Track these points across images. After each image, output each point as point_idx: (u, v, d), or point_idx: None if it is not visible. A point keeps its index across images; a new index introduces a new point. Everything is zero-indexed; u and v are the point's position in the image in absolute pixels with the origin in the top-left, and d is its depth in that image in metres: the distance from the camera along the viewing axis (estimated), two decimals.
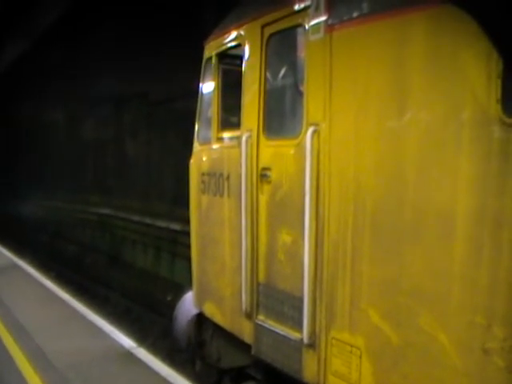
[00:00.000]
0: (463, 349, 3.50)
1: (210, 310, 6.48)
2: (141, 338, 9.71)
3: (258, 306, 5.44)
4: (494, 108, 3.28)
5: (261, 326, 5.37)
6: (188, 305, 7.15)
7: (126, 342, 8.36)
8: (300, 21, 4.84)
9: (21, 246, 22.51)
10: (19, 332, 8.72)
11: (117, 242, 21.34)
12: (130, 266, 19.37)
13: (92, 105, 25.79)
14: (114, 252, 21.14)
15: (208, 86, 6.58)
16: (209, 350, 6.80)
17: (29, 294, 11.69)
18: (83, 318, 9.69)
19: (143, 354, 7.81)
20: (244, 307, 5.52)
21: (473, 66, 3.43)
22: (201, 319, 6.85)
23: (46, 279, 13.46)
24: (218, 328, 6.36)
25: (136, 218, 19.81)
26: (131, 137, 22.68)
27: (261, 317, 5.39)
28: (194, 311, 6.95)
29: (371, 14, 4.11)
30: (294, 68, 5.23)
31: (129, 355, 7.74)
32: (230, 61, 6.25)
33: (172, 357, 9.43)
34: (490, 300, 3.35)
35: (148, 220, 18.71)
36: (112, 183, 24.13)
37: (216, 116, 6.27)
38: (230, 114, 6.14)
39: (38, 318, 9.55)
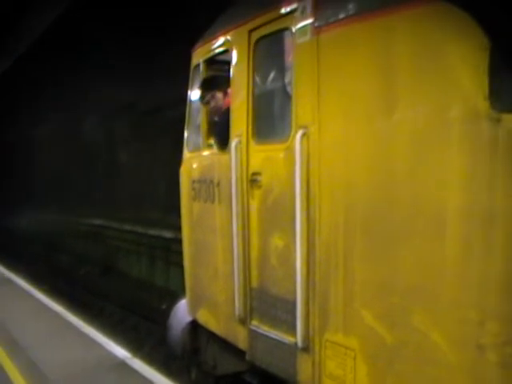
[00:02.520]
0: (457, 346, 3.50)
1: (204, 317, 6.45)
2: (136, 347, 9.63)
3: (251, 311, 5.42)
4: (483, 104, 3.29)
5: (255, 331, 5.35)
6: (182, 312, 7.12)
7: (121, 352, 8.30)
8: (287, 24, 4.85)
9: (13, 260, 22.34)
10: (12, 345, 8.66)
11: (110, 252, 21.28)
12: (125, 276, 19.33)
13: (82, 115, 25.79)
14: (107, 262, 21.07)
15: (197, 93, 6.57)
16: (204, 357, 6.76)
17: (21, 308, 11.60)
18: (77, 329, 9.63)
19: (138, 364, 7.76)
20: (237, 313, 5.50)
21: (460, 63, 3.45)
22: (195, 326, 6.81)
23: (38, 292, 13.36)
24: (212, 335, 6.33)
25: (128, 227, 19.77)
26: (122, 146, 22.68)
27: (254, 322, 5.38)
28: (188, 319, 6.92)
29: (357, 14, 4.13)
30: (282, 72, 5.24)
31: (123, 365, 7.68)
32: (218, 67, 6.26)
33: (167, 366, 9.37)
34: (483, 296, 3.35)
35: (140, 229, 18.69)
36: (104, 193, 24.11)
37: (205, 122, 6.28)
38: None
39: (31, 331, 9.49)
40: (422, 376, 3.74)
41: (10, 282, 14.98)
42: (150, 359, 8.64)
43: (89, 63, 23.17)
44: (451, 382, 3.56)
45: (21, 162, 36.15)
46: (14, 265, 19.92)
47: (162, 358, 10.16)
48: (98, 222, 23.23)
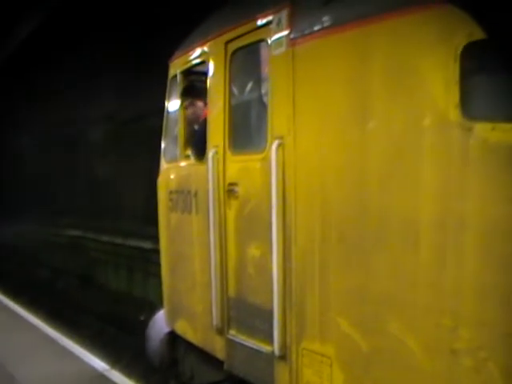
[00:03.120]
0: (431, 351, 3.55)
1: (182, 328, 6.46)
2: (114, 359, 9.49)
3: (229, 320, 5.44)
4: (453, 113, 3.37)
5: (232, 340, 5.37)
6: (160, 323, 7.11)
7: (99, 364, 8.26)
8: (263, 36, 4.91)
9: None
10: None
11: (88, 263, 21.17)
12: (103, 287, 19.22)
13: (61, 127, 25.70)
14: (86, 274, 20.95)
15: (174, 104, 6.61)
16: (181, 367, 6.77)
17: None
18: (55, 342, 9.54)
19: (117, 376, 7.73)
20: (215, 323, 5.52)
21: (431, 73, 3.53)
22: (173, 337, 6.81)
23: (16, 305, 13.25)
24: (190, 345, 6.34)
25: (106, 238, 19.69)
26: (101, 156, 22.64)
27: (232, 331, 5.40)
28: (166, 330, 6.91)
29: (332, 26, 4.20)
30: (258, 83, 5.30)
31: (102, 378, 7.65)
32: (195, 78, 6.30)
33: (147, 378, 9.33)
34: (456, 302, 3.41)
35: (119, 240, 18.62)
36: (82, 205, 24.01)
37: (182, 133, 6.31)
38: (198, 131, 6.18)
39: (9, 345, 9.36)
40: (398, 382, 3.79)
41: None
42: (129, 371, 8.62)
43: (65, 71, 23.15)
44: None
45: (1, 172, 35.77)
46: None
47: (141, 370, 10.08)
48: (76, 233, 23.06)
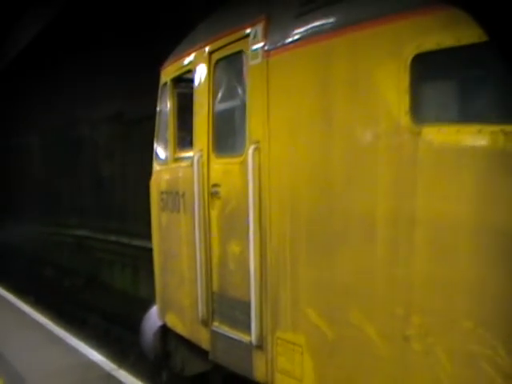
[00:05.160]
0: (387, 338, 3.89)
1: (172, 321, 6.82)
2: (121, 359, 9.35)
3: (213, 313, 5.80)
4: (404, 119, 3.71)
5: (216, 332, 5.73)
6: (153, 317, 7.47)
7: (106, 363, 8.22)
8: (242, 47, 5.28)
9: None
10: None
11: (95, 262, 21.40)
12: (109, 287, 19.42)
13: (68, 127, 25.96)
14: (92, 273, 21.19)
15: (165, 110, 6.97)
16: (174, 360, 7.11)
17: (7, 320, 11.45)
18: (62, 341, 9.53)
19: (124, 375, 7.72)
20: (200, 315, 5.88)
21: (385, 83, 3.86)
22: (165, 331, 7.16)
23: (24, 304, 13.24)
24: (180, 338, 6.69)
25: (113, 238, 19.90)
26: (107, 158, 22.85)
27: (216, 323, 5.76)
28: (159, 323, 7.27)
29: (300, 40, 4.55)
30: (239, 91, 5.65)
31: (109, 377, 7.62)
32: (185, 85, 6.65)
33: (153, 377, 9.36)
34: (407, 293, 3.75)
35: (125, 240, 18.80)
36: (89, 205, 24.24)
37: (172, 138, 6.69)
38: (185, 136, 6.53)
39: (17, 344, 9.39)
40: (359, 367, 4.14)
41: None
42: (136, 370, 8.58)
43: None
44: (384, 371, 3.96)
45: (5, 172, 36.02)
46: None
47: (147, 369, 10.14)
48: (82, 232, 23.32)
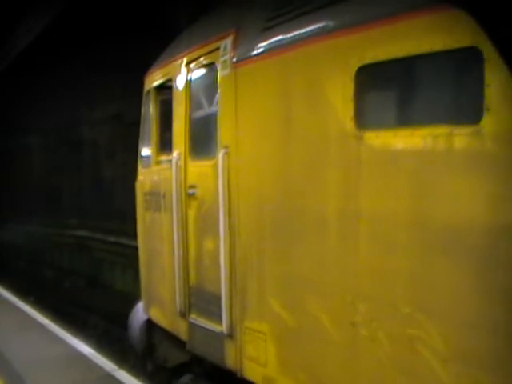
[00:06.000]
0: (337, 324, 4.30)
1: (155, 315, 7.25)
2: (121, 359, 9.56)
3: (190, 306, 6.22)
4: (349, 125, 4.13)
5: (193, 323, 6.15)
6: (139, 312, 7.88)
7: (107, 364, 8.23)
8: (214, 59, 5.70)
9: None
10: None
11: (95, 263, 21.56)
12: (109, 288, 19.56)
13: (67, 128, 26.23)
14: (92, 274, 21.36)
15: (148, 116, 7.40)
16: (158, 352, 7.53)
17: (7, 320, 11.40)
18: (63, 342, 9.51)
19: (124, 375, 7.73)
20: (179, 308, 6.30)
21: (334, 92, 4.27)
22: (150, 325, 7.57)
23: (24, 304, 13.24)
24: (163, 331, 7.10)
25: (113, 238, 20.08)
26: (108, 158, 23.06)
27: (193, 316, 6.17)
28: (144, 317, 7.68)
29: (264, 52, 4.98)
30: (212, 99, 6.05)
31: (110, 378, 7.65)
32: (166, 92, 7.07)
33: (154, 378, 9.15)
34: (354, 282, 4.15)
35: (125, 240, 18.95)
36: (89, 206, 24.46)
37: (155, 142, 7.12)
38: (167, 141, 6.93)
39: (17, 344, 9.35)
40: (315, 352, 4.54)
41: None
42: (136, 371, 8.71)
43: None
44: (336, 356, 4.36)
45: (7, 172, 36.26)
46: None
47: (147, 370, 9.64)
48: (83, 233, 23.49)
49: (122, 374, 7.75)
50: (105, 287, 19.87)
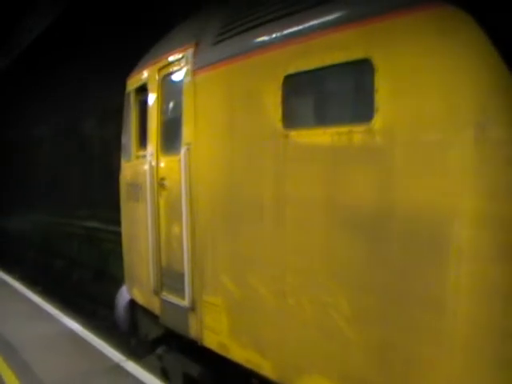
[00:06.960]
0: (272, 295, 5.08)
1: (136, 295, 8.06)
2: (129, 350, 9.30)
3: (162, 285, 7.01)
4: (278, 125, 4.92)
5: (164, 300, 6.94)
6: (124, 294, 8.69)
7: (115, 355, 8.33)
8: (179, 66, 6.47)
9: (7, 261, 22.87)
10: (6, 348, 8.66)
11: (104, 254, 21.80)
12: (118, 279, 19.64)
13: (77, 119, 26.60)
14: (101, 265, 21.63)
15: (128, 115, 8.19)
16: (139, 328, 8.33)
17: (15, 310, 11.48)
18: (71, 332, 9.60)
19: (132, 366, 7.84)
20: (153, 287, 7.09)
21: (267, 98, 5.06)
22: (133, 304, 8.38)
23: (32, 294, 13.28)
24: (143, 309, 7.90)
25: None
26: (115, 150, 23.25)
27: (164, 293, 6.97)
28: (128, 298, 8.49)
29: (213, 63, 5.77)
30: (178, 102, 6.81)
31: (118, 368, 7.75)
32: (144, 94, 7.83)
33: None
34: (283, 258, 4.93)
35: None
36: (98, 197, 24.73)
37: (134, 139, 7.91)
38: (144, 138, 7.70)
39: (25, 334, 9.42)
40: (257, 321, 5.32)
41: (4, 284, 14.75)
42: (145, 361, 8.49)
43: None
44: (271, 320, 5.13)
45: (18, 163, 36.49)
46: (9, 266, 20.35)
47: (155, 361, 9.34)
48: (91, 224, 23.64)
49: (130, 365, 7.87)
50: (113, 278, 19.96)
